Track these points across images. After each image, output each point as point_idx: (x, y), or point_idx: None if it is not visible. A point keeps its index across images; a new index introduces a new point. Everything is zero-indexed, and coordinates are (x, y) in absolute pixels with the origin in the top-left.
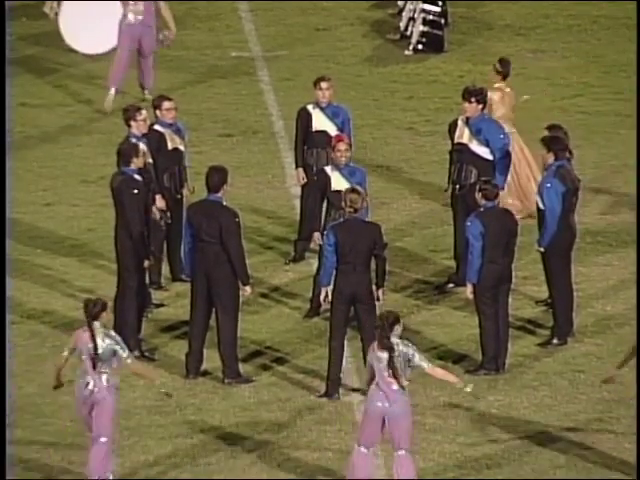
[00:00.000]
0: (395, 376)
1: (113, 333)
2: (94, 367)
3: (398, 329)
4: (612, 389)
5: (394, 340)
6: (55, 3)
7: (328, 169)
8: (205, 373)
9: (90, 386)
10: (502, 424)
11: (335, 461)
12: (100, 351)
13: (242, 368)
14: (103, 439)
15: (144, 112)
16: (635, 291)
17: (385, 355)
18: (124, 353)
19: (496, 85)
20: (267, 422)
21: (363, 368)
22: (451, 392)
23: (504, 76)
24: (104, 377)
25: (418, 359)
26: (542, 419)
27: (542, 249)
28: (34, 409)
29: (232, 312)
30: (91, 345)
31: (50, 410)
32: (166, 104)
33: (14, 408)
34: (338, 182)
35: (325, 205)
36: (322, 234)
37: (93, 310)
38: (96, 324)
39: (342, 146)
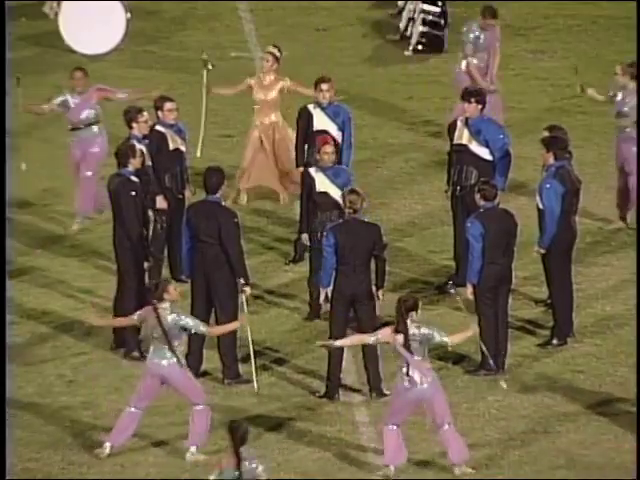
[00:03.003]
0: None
1: (180, 310)
2: (169, 345)
3: (414, 315)
4: (612, 389)
5: (411, 324)
6: (55, 3)
7: (312, 170)
8: (205, 373)
9: (165, 363)
10: (502, 424)
11: (335, 461)
12: (167, 329)
13: (242, 368)
14: (199, 407)
15: (145, 114)
16: (635, 291)
17: (401, 338)
18: (199, 327)
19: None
20: (267, 422)
21: (363, 368)
22: (451, 392)
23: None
24: (170, 354)
25: (439, 337)
26: (542, 419)
27: (542, 250)
28: (34, 409)
29: (231, 312)
30: (158, 326)
31: (50, 410)
32: (168, 105)
33: (14, 408)
34: (322, 183)
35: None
36: (310, 235)
37: (155, 293)
38: (162, 305)
39: (328, 148)
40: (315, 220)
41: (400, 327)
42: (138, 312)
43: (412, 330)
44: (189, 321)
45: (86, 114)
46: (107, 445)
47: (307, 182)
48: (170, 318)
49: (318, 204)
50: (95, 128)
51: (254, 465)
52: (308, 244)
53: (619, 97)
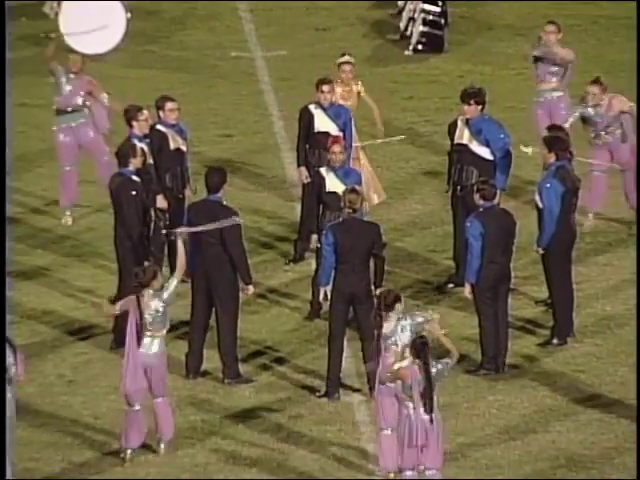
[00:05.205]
0: (378, 356)
1: (161, 291)
2: (143, 332)
3: (399, 307)
4: (612, 389)
5: (395, 317)
6: (55, 3)
7: (323, 170)
8: (205, 373)
9: (148, 352)
10: (502, 424)
11: (335, 461)
12: (148, 316)
13: (242, 368)
14: (160, 399)
15: (145, 112)
16: (635, 291)
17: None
18: (173, 283)
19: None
20: (267, 422)
21: (363, 368)
22: (451, 392)
23: None
24: (156, 342)
25: (427, 324)
26: (542, 419)
27: (541, 250)
28: (34, 409)
29: (232, 312)
30: (138, 312)
31: (50, 410)
32: (169, 104)
33: (14, 408)
34: (333, 183)
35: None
36: (319, 235)
37: (143, 278)
38: (148, 292)
39: (337, 148)
40: (324, 220)
41: (377, 323)
42: (120, 303)
43: (394, 322)
44: (170, 291)
45: (78, 99)
46: (128, 452)
47: (317, 182)
48: (153, 305)
49: (327, 204)
50: (82, 115)
51: (440, 366)
52: (318, 245)
53: (597, 116)
